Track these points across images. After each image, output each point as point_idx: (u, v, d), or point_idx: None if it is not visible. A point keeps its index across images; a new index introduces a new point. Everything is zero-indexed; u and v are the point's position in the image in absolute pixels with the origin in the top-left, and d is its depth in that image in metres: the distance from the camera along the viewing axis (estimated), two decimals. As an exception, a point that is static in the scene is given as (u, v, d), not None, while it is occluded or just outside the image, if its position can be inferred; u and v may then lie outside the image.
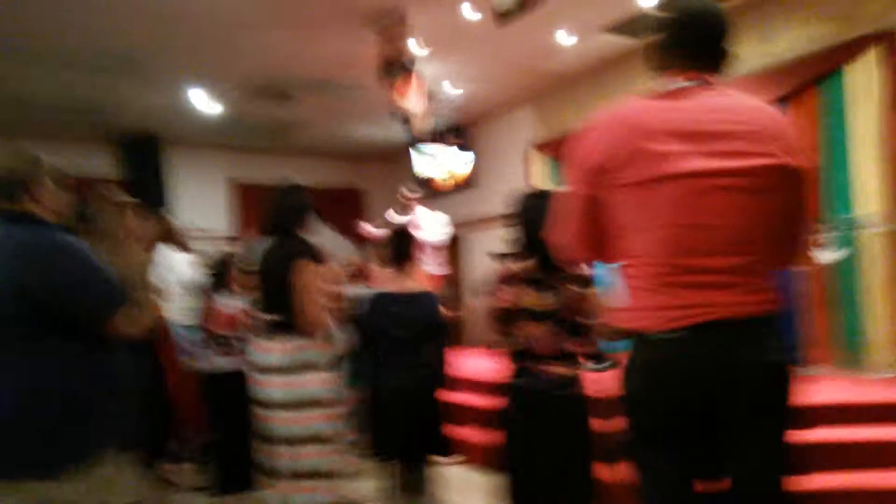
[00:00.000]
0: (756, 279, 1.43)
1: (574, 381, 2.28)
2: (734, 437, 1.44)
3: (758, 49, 5.72)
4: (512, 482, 2.34)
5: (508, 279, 2.34)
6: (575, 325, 2.28)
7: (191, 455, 4.99)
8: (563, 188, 1.62)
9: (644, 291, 1.45)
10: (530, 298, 2.27)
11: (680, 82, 1.49)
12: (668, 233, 1.40)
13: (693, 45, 1.49)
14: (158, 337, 2.91)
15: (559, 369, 2.24)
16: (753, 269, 1.42)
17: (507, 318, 2.33)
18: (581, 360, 2.33)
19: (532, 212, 2.33)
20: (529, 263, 2.33)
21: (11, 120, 8.15)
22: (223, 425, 3.30)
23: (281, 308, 2.60)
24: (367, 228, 6.41)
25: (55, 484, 1.81)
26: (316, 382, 2.56)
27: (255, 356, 2.67)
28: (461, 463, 4.63)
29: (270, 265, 2.64)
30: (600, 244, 1.56)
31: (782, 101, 5.57)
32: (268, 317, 2.66)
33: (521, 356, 2.32)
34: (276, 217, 2.71)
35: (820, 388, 4.24)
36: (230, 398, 3.33)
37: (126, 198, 2.89)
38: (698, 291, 1.39)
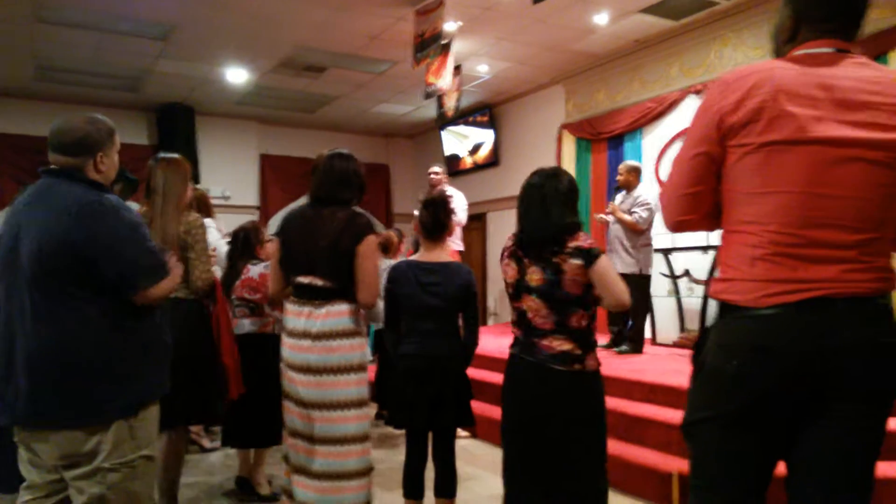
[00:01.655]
0: (876, 258, 1.36)
1: (577, 358, 2.24)
2: (833, 421, 1.36)
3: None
4: (507, 455, 2.37)
5: (511, 254, 2.37)
6: (580, 300, 2.25)
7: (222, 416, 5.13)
8: (680, 146, 1.53)
9: (755, 261, 1.37)
10: (530, 273, 2.27)
11: (819, 48, 1.41)
12: (793, 199, 1.33)
13: (837, 13, 1.42)
14: (214, 303, 2.94)
15: (562, 345, 2.23)
16: (875, 248, 1.35)
17: (509, 292, 2.37)
18: (596, 335, 2.33)
19: (531, 188, 2.34)
20: (516, 238, 2.36)
21: (50, 85, 8.30)
22: (245, 385, 3.36)
23: (334, 275, 2.56)
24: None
25: (83, 434, 1.87)
26: (349, 348, 2.56)
27: (288, 321, 2.65)
28: (470, 436, 4.71)
29: (324, 232, 2.55)
30: (710, 208, 1.49)
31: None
32: (313, 281, 2.59)
33: (522, 329, 2.35)
34: (331, 182, 2.61)
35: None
36: (253, 359, 3.38)
37: (189, 164, 2.93)
38: (815, 265, 1.33)
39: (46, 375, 1.85)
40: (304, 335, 2.56)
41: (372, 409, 4.87)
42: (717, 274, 1.49)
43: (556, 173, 2.39)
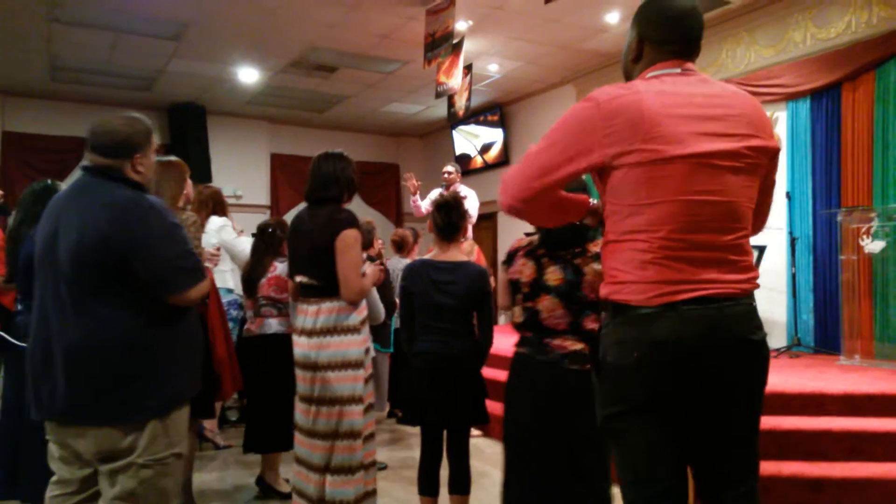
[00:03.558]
0: (745, 257, 1.52)
1: (588, 357, 2.24)
2: (717, 414, 1.52)
3: (813, 33, 5.58)
4: (512, 454, 2.36)
5: (527, 253, 2.36)
6: (594, 305, 2.26)
7: (232, 415, 5.17)
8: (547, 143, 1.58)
9: (647, 265, 1.49)
10: (548, 272, 2.28)
11: (666, 69, 1.58)
12: (676, 207, 1.47)
13: (675, 36, 1.60)
14: (207, 299, 2.98)
15: (575, 345, 2.25)
16: (744, 246, 1.53)
17: (523, 291, 2.35)
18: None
19: None
20: (538, 238, 2.37)
21: (64, 85, 8.37)
22: (268, 386, 3.34)
23: (318, 273, 2.68)
24: (417, 203, 6.46)
25: (119, 431, 1.88)
26: (342, 344, 2.66)
27: (295, 318, 2.79)
28: (482, 435, 4.72)
29: (309, 231, 2.69)
30: (557, 208, 1.66)
31: (837, 85, 5.44)
32: (303, 280, 2.73)
33: (532, 330, 2.34)
34: (317, 184, 2.75)
35: (859, 378, 4.19)
36: (277, 359, 3.32)
37: (187, 165, 2.97)
38: (698, 268, 1.47)
39: (84, 372, 1.85)
40: (304, 332, 2.71)
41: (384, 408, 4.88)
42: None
43: None
